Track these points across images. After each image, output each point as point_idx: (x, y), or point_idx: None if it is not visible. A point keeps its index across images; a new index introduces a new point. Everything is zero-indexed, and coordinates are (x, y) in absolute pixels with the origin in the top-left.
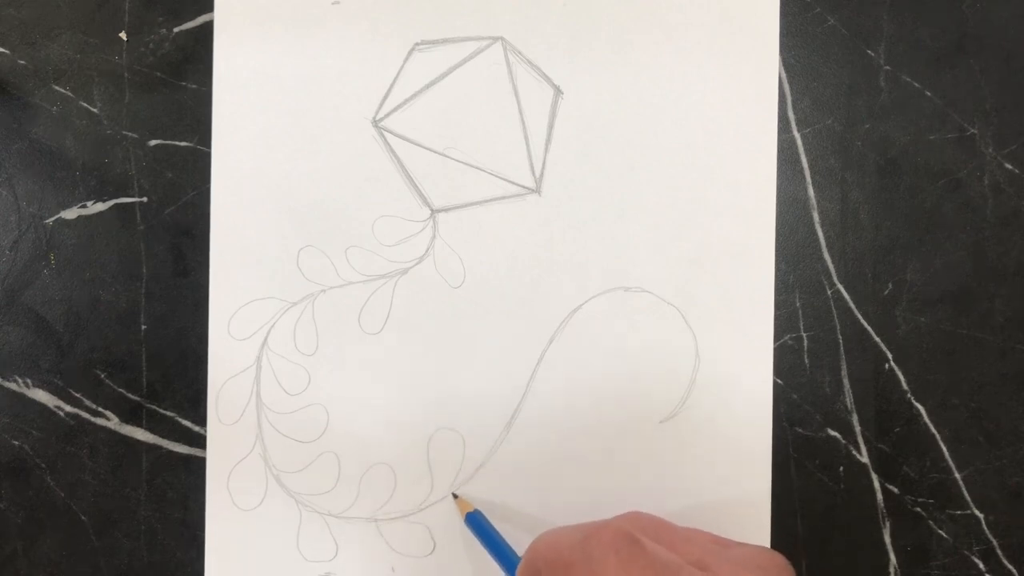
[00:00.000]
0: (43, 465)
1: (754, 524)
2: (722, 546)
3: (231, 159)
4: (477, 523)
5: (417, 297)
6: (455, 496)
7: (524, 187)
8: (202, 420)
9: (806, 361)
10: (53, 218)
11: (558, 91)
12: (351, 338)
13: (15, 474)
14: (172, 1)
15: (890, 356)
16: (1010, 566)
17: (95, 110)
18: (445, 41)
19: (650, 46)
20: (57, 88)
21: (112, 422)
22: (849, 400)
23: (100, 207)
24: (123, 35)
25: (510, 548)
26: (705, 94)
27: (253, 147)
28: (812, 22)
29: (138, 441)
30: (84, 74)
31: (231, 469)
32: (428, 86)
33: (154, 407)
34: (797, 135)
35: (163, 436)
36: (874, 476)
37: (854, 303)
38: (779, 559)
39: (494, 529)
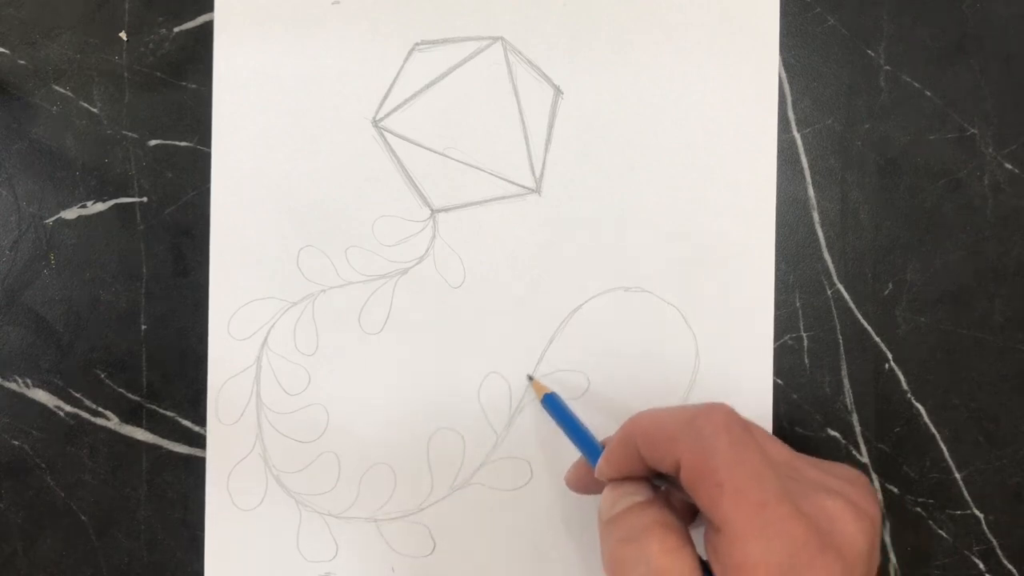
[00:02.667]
0: (43, 465)
1: None
2: (802, 455)
3: (231, 159)
4: (555, 405)
5: (417, 297)
6: (530, 378)
7: (524, 187)
8: (202, 420)
9: (806, 361)
10: (53, 218)
11: (558, 91)
12: (351, 338)
13: (15, 474)
14: (172, 1)
15: (890, 356)
16: (1010, 566)
17: (95, 110)
18: (445, 41)
19: (650, 46)
20: (57, 88)
21: (112, 422)
22: (849, 400)
23: (100, 207)
24: (123, 35)
25: (589, 431)
26: (705, 94)
27: (253, 147)
28: (812, 22)
29: (138, 441)
30: (84, 74)
31: (231, 469)
32: (428, 86)
33: (154, 407)
34: (797, 135)
35: (163, 436)
36: (874, 476)
37: (854, 303)
38: (860, 474)
39: (571, 411)
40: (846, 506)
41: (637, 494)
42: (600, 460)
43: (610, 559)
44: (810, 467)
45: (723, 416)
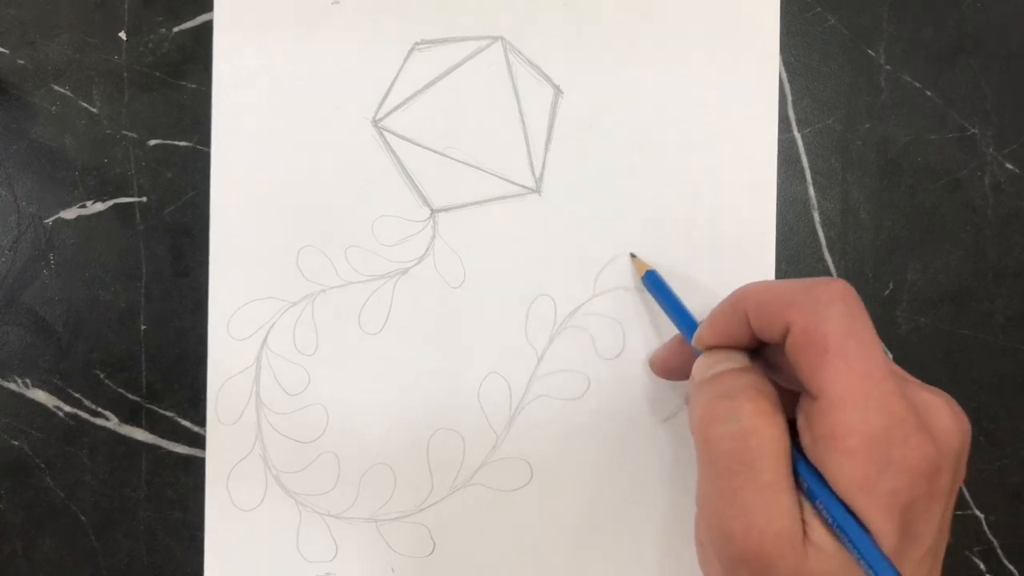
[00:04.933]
0: (43, 465)
1: None
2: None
3: (231, 159)
4: (655, 281)
5: (417, 297)
6: (633, 256)
7: (524, 187)
8: (202, 420)
9: None
10: (52, 218)
11: (558, 91)
12: (351, 338)
13: (15, 474)
14: (171, 1)
15: (890, 356)
16: (1010, 566)
17: (95, 110)
18: (445, 41)
19: (650, 46)
20: (57, 88)
21: (112, 422)
22: None
23: (100, 207)
24: (122, 35)
25: (687, 309)
26: (705, 94)
27: (253, 147)
28: (812, 22)
29: (138, 441)
30: (83, 74)
31: (231, 469)
32: (428, 86)
33: (154, 407)
34: (797, 135)
35: (163, 436)
36: None
37: None
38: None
39: (671, 288)
40: (945, 404)
41: (735, 360)
42: (702, 325)
43: (702, 414)
44: (911, 377)
45: (841, 288)
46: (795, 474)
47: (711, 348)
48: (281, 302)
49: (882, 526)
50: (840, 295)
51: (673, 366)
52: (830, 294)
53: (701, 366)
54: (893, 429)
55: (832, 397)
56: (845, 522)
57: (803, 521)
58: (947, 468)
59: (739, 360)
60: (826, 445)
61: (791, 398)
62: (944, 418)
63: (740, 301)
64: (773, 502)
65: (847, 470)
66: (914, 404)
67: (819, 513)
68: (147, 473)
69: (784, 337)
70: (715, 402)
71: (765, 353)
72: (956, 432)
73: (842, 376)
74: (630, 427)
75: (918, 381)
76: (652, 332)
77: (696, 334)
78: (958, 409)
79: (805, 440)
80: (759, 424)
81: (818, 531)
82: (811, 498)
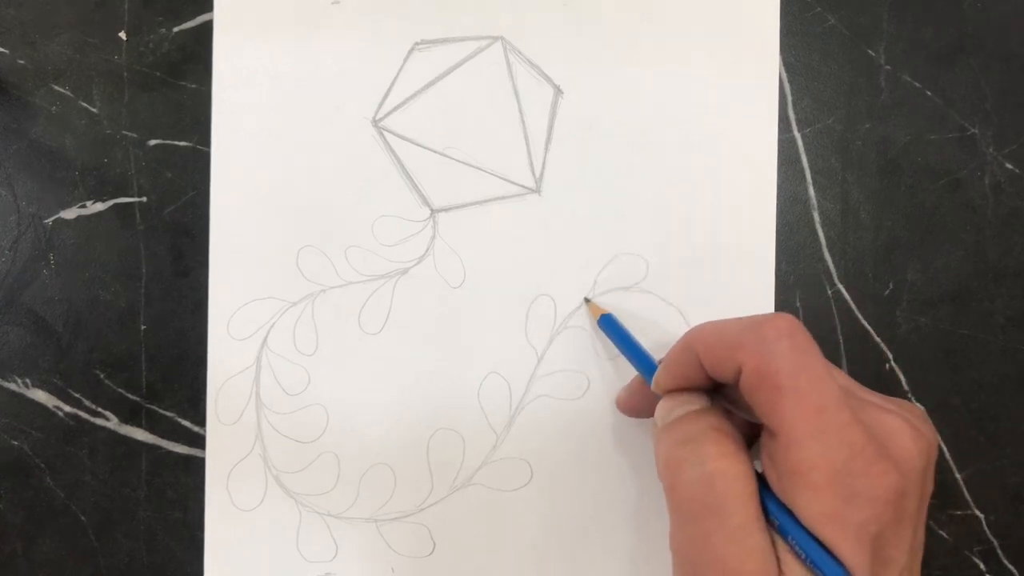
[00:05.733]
0: (42, 465)
1: None
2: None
3: (231, 159)
4: (611, 325)
5: (417, 297)
6: (587, 300)
7: (524, 187)
8: (202, 420)
9: None
10: (52, 218)
11: (558, 91)
12: (351, 338)
13: (15, 474)
14: (171, 1)
15: (890, 356)
16: (1011, 566)
17: (94, 110)
18: (445, 41)
19: (650, 46)
20: (57, 88)
21: (112, 422)
22: None
23: (99, 207)
24: (122, 35)
25: (645, 350)
26: (705, 94)
27: (253, 147)
28: (812, 22)
29: (138, 441)
30: (83, 74)
31: (231, 469)
32: (428, 86)
33: (154, 407)
34: (797, 135)
35: (163, 436)
36: None
37: (854, 303)
38: (917, 405)
39: (628, 331)
40: (904, 424)
41: (694, 403)
42: (659, 370)
43: (665, 460)
44: (868, 392)
45: (788, 323)
46: (764, 510)
47: (670, 391)
48: (281, 302)
49: (854, 558)
50: (787, 331)
51: (638, 406)
52: (777, 331)
53: (662, 410)
54: (853, 460)
55: (790, 433)
56: (818, 556)
57: (777, 559)
58: (912, 491)
59: (698, 402)
60: (791, 481)
61: (757, 429)
62: (904, 440)
63: (691, 344)
64: (745, 544)
65: (814, 504)
66: (873, 430)
67: (791, 548)
68: (147, 473)
69: (737, 377)
70: (677, 448)
71: (725, 390)
72: (917, 452)
73: (798, 412)
74: (630, 427)
75: (876, 398)
76: (652, 333)
77: (654, 379)
78: (919, 424)
79: (771, 476)
80: (723, 466)
81: (792, 567)
82: (783, 534)
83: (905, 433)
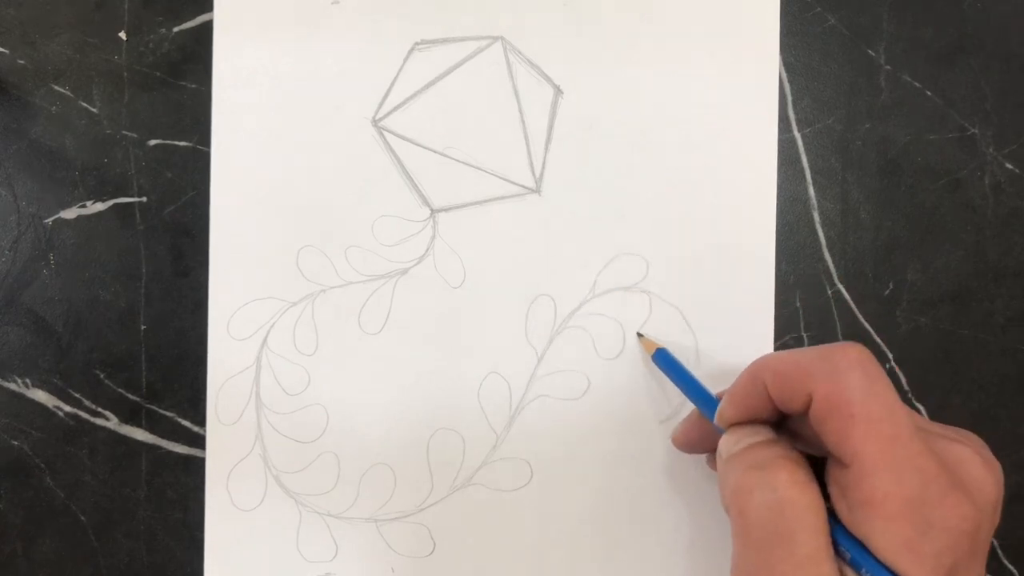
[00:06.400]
0: (43, 465)
1: None
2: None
3: (231, 159)
4: (667, 360)
5: (417, 297)
6: (640, 335)
7: (524, 187)
8: (202, 420)
9: None
10: (52, 218)
11: (558, 91)
12: (351, 338)
13: (15, 474)
14: (171, 1)
15: (891, 356)
16: (1010, 566)
17: (94, 110)
18: (445, 41)
19: (650, 46)
20: (56, 88)
21: (112, 422)
22: None
23: (99, 207)
24: (122, 35)
25: (702, 384)
26: (705, 94)
27: (253, 147)
28: (812, 22)
29: (138, 441)
30: (83, 74)
31: (231, 469)
32: (428, 86)
33: (153, 407)
34: (797, 135)
35: (163, 436)
36: None
37: (855, 303)
38: (979, 438)
39: (683, 365)
40: (974, 455)
41: (760, 434)
42: (723, 402)
43: (735, 486)
44: (932, 423)
45: (858, 352)
46: (833, 542)
47: (734, 424)
48: (281, 302)
49: None
50: (858, 359)
51: (695, 441)
52: (848, 360)
53: (728, 442)
54: (928, 489)
55: (864, 463)
56: None
57: None
58: (987, 523)
59: (765, 433)
60: (864, 511)
61: (818, 465)
62: (977, 470)
63: (758, 374)
64: (813, 575)
65: (889, 535)
66: (944, 460)
67: None
68: (147, 473)
69: (806, 407)
70: (749, 473)
71: (787, 423)
72: (990, 483)
73: (870, 441)
74: (630, 427)
75: (944, 430)
76: (653, 332)
77: (718, 412)
78: (988, 455)
79: (841, 508)
80: (794, 494)
81: None
82: (854, 566)
83: (976, 463)
